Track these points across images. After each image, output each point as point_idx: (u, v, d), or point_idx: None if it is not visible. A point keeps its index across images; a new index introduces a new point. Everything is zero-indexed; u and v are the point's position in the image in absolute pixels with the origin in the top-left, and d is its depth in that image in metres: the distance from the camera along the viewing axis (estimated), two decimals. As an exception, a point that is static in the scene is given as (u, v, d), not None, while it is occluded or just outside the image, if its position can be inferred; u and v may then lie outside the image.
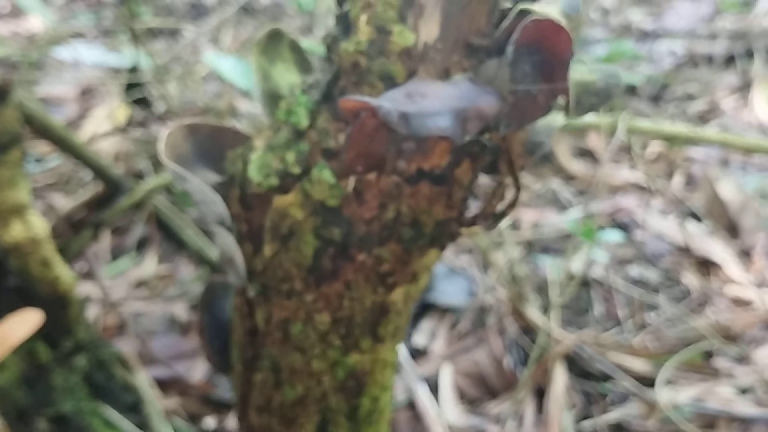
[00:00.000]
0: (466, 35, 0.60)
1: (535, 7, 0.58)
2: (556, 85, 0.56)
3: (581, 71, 0.64)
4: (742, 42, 3.31)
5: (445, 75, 0.60)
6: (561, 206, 2.32)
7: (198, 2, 3.94)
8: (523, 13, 0.57)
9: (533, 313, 1.71)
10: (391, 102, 0.52)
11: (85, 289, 1.88)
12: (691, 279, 1.93)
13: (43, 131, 1.38)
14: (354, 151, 0.58)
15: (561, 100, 0.57)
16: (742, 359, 1.62)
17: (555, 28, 0.54)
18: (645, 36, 3.53)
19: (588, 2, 2.85)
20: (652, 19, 3.79)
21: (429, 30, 0.59)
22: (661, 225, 2.14)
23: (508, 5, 0.61)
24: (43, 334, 1.17)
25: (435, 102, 0.54)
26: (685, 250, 2.02)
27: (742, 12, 3.64)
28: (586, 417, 1.52)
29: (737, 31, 3.46)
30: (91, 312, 1.77)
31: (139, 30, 1.61)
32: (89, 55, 1.50)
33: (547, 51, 0.56)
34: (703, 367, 1.62)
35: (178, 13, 3.77)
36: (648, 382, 1.57)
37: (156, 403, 1.34)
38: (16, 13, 3.84)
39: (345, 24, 0.62)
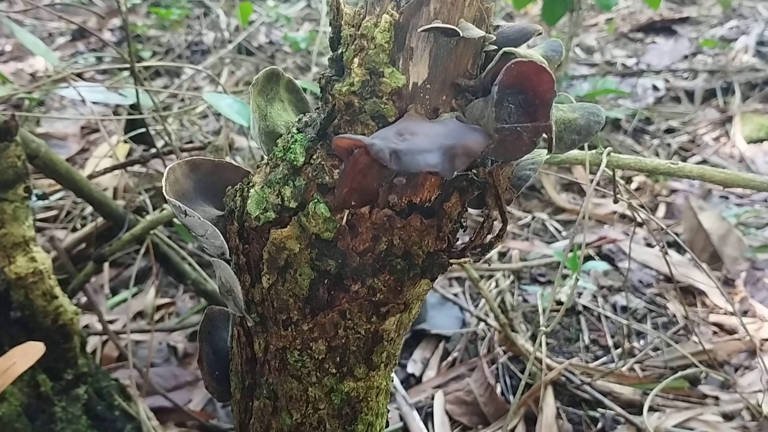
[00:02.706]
0: (453, 77, 0.63)
1: (518, 50, 0.62)
2: (539, 123, 0.60)
3: (563, 109, 0.68)
4: (722, 78, 3.38)
5: (434, 114, 0.63)
6: (549, 237, 2.36)
7: (197, 42, 3.99)
8: (507, 55, 0.61)
9: (523, 341, 1.73)
10: (382, 140, 0.55)
11: (85, 320, 1.88)
12: (676, 307, 1.96)
13: (46, 168, 1.41)
14: (348, 187, 0.61)
15: (545, 137, 0.61)
16: (728, 386, 1.64)
17: (537, 70, 0.58)
18: (628, 73, 3.60)
19: (572, 41, 2.91)
20: (635, 56, 3.86)
21: (418, 72, 0.62)
22: (646, 255, 2.17)
23: (492, 48, 0.64)
24: (44, 365, 1.18)
25: (424, 140, 0.56)
26: (670, 279, 2.05)
27: (722, 49, 3.72)
28: (576, 444, 1.54)
29: (717, 67, 3.53)
30: (92, 343, 1.78)
31: (140, 69, 1.65)
32: (91, 94, 1.53)
33: (530, 91, 0.59)
34: (690, 394, 1.64)
35: (178, 53, 3.81)
36: (636, 408, 1.59)
37: (155, 432, 1.34)
38: (19, 53, 3.89)
39: (339, 66, 0.66)
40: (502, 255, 2.24)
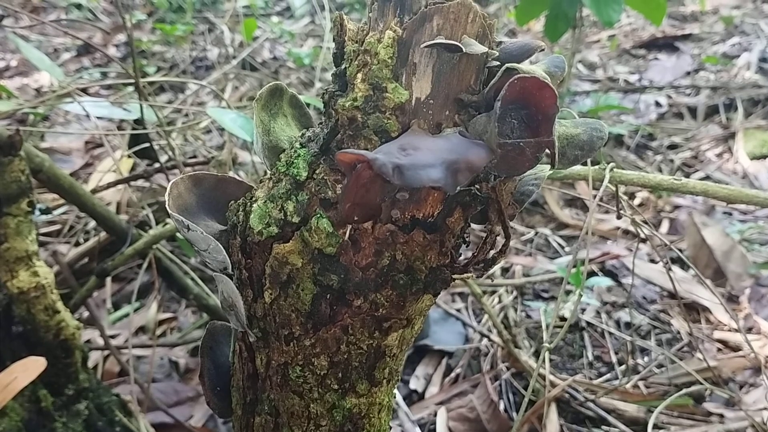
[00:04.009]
0: (456, 92, 0.63)
1: (521, 66, 0.62)
2: (541, 138, 0.60)
3: (566, 124, 0.68)
4: (724, 94, 3.38)
5: (436, 129, 0.63)
6: (552, 253, 2.35)
7: (201, 57, 4.01)
8: (510, 71, 0.61)
9: (526, 357, 1.72)
10: (385, 155, 0.55)
11: (87, 335, 1.88)
12: (680, 324, 1.95)
13: (49, 182, 1.41)
14: (350, 201, 0.61)
15: (547, 152, 0.60)
16: (733, 403, 1.63)
17: (539, 85, 0.58)
18: (631, 89, 3.60)
19: (575, 57, 2.92)
20: (637, 72, 3.87)
21: (421, 87, 0.63)
22: (650, 271, 2.17)
23: (495, 64, 0.65)
24: (45, 380, 1.18)
25: (427, 154, 0.56)
26: (673, 296, 2.04)
27: (724, 65, 3.72)
28: (580, 462, 1.53)
29: (719, 83, 3.53)
30: (93, 358, 1.77)
31: (144, 84, 1.66)
32: (95, 109, 1.54)
33: (533, 106, 0.59)
34: (694, 411, 1.63)
35: (182, 69, 3.83)
36: (640, 426, 1.58)
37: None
38: (25, 68, 3.91)
39: (342, 81, 0.66)
40: (505, 270, 2.23)
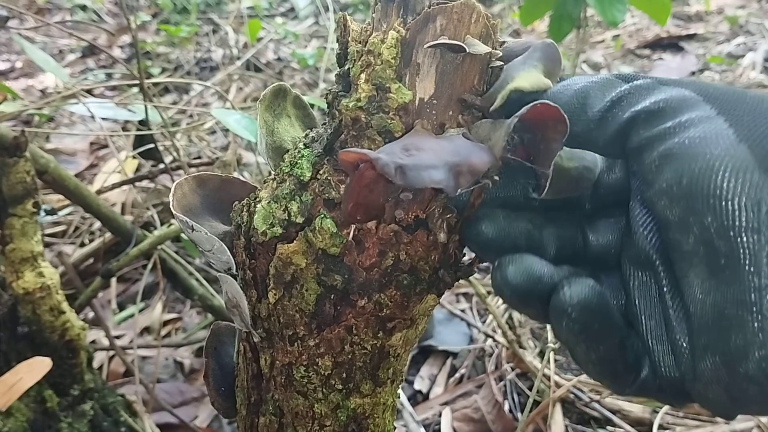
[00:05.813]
0: (460, 92, 0.63)
1: (526, 86, 0.61)
2: (538, 168, 0.60)
3: (561, 155, 0.66)
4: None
5: (440, 129, 0.63)
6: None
7: (205, 59, 4.01)
8: (517, 92, 0.60)
9: (531, 358, 1.72)
10: (388, 154, 0.54)
11: (92, 336, 1.89)
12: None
13: (54, 183, 1.42)
14: (353, 201, 0.61)
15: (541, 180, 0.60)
16: (738, 403, 1.62)
17: (556, 117, 0.57)
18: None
19: (579, 57, 2.91)
20: (642, 73, 3.86)
21: (425, 87, 0.62)
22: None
23: (499, 64, 0.64)
24: (51, 380, 1.18)
25: (430, 155, 0.56)
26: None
27: (729, 65, 3.71)
28: (584, 462, 1.52)
29: (724, 83, 3.52)
30: (98, 359, 1.78)
31: (149, 85, 1.66)
32: (100, 110, 1.54)
33: (540, 133, 0.59)
34: (700, 412, 1.63)
35: (187, 70, 3.84)
36: (645, 426, 1.57)
37: (160, 449, 1.34)
38: (30, 70, 3.93)
39: (346, 81, 0.66)
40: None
